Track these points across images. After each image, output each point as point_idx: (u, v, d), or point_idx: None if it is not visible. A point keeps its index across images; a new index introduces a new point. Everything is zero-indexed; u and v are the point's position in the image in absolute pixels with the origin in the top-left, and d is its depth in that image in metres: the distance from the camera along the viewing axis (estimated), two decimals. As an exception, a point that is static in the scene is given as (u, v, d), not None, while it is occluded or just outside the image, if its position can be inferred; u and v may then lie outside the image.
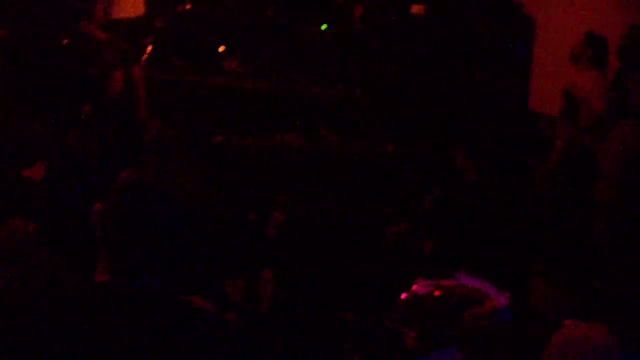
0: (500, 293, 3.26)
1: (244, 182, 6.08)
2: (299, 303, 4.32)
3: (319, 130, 7.70)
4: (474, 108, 7.91)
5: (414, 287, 4.26)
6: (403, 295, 3.23)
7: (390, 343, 3.09)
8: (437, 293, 3.35)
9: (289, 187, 5.69)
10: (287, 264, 4.69)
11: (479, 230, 4.75)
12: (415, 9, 8.74)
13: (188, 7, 8.79)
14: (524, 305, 4.62)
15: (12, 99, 6.78)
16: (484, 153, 5.98)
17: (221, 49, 8.74)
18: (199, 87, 8.18)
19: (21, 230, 3.94)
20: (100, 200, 3.68)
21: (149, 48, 8.30)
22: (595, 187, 5.58)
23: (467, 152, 5.74)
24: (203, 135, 7.09)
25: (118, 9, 7.90)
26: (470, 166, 5.48)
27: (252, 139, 7.36)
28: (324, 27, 8.91)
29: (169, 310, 2.85)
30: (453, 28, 8.61)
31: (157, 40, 8.42)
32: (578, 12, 8.25)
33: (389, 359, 3.17)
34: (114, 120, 6.91)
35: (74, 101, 7.16)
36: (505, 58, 8.59)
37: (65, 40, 7.59)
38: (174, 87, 8.07)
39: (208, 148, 6.87)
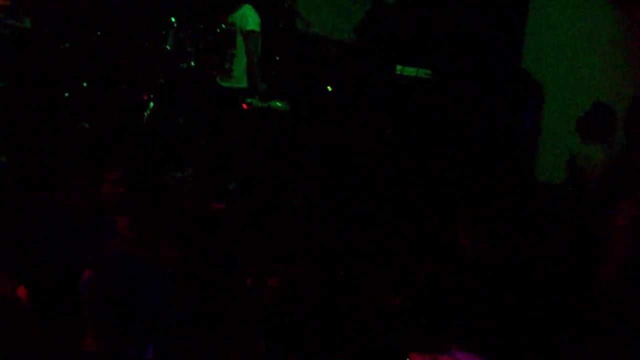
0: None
1: (238, 245, 6.00)
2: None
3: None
4: (477, 177, 7.83)
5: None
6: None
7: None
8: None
9: (284, 252, 5.61)
10: (281, 331, 4.60)
11: (475, 304, 4.62)
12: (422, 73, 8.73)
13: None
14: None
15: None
16: (486, 224, 5.87)
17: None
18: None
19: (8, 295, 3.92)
20: (87, 266, 3.61)
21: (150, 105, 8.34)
22: (600, 264, 5.46)
23: (468, 223, 5.63)
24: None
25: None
26: (470, 237, 5.37)
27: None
28: (329, 88, 8.93)
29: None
30: (459, 94, 8.58)
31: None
32: (585, 81, 8.21)
33: None
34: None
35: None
36: (513, 125, 8.54)
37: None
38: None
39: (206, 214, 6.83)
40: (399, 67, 8.79)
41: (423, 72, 8.79)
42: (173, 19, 8.42)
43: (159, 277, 3.13)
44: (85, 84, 8.33)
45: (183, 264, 4.59)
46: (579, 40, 8.43)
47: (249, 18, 7.99)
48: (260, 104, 8.00)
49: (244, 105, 7.96)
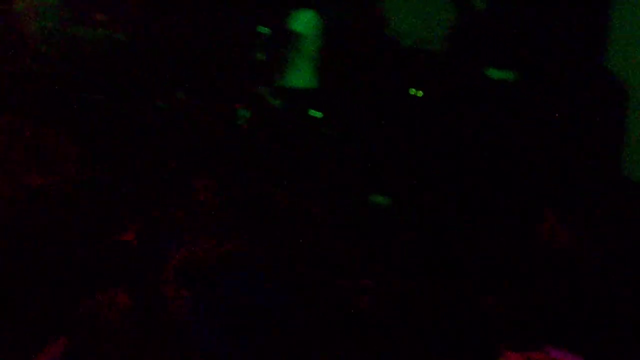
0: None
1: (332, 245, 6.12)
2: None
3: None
4: (565, 177, 7.85)
5: (503, 360, 4.24)
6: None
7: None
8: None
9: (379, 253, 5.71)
10: (376, 334, 4.70)
11: (571, 301, 4.69)
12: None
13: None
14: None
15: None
16: (580, 220, 5.91)
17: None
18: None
19: (116, 303, 4.04)
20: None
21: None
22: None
23: (561, 220, 5.69)
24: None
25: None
26: (564, 234, 5.43)
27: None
28: (419, 93, 8.99)
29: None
30: (544, 94, 8.60)
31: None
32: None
33: None
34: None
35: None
36: (597, 126, 8.53)
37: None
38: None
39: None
40: (487, 71, 8.84)
41: (509, 75, 8.83)
42: (264, 29, 8.61)
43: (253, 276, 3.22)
44: (181, 94, 8.57)
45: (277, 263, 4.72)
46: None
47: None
48: None
49: None
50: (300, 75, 8.13)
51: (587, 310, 4.78)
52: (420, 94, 8.88)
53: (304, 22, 7.95)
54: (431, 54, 9.31)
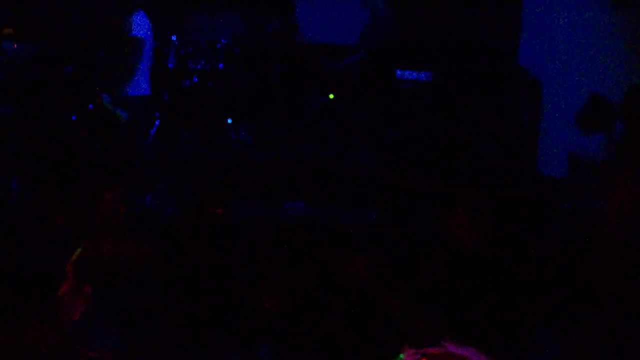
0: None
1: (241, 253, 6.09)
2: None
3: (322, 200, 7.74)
4: (478, 170, 7.89)
5: (402, 356, 4.21)
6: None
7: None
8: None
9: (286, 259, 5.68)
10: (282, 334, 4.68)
11: (471, 298, 4.68)
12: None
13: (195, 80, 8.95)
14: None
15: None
16: (486, 217, 5.91)
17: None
18: (206, 160, 8.28)
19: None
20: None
21: (156, 123, 8.44)
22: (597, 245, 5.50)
23: (465, 216, 5.68)
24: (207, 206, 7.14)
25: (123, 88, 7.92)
26: (467, 230, 5.42)
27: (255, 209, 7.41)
28: (331, 96, 8.99)
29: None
30: (460, 92, 8.67)
31: (163, 115, 8.56)
32: (582, 74, 8.27)
33: None
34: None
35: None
36: (513, 122, 8.61)
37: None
38: (181, 161, 8.18)
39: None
40: (399, 71, 8.89)
41: (423, 75, 8.89)
42: (174, 37, 8.54)
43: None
44: (90, 105, 8.46)
45: (182, 267, 4.71)
46: (574, 34, 8.48)
47: None
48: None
49: None
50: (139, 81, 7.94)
51: (488, 306, 4.77)
52: (331, 96, 8.90)
53: (138, 24, 7.75)
54: (341, 56, 9.35)
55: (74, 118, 8.64)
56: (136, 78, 7.74)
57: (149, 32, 7.78)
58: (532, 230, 6.68)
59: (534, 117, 8.69)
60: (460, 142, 8.41)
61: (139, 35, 7.66)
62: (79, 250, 4.60)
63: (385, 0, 8.98)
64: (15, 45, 8.40)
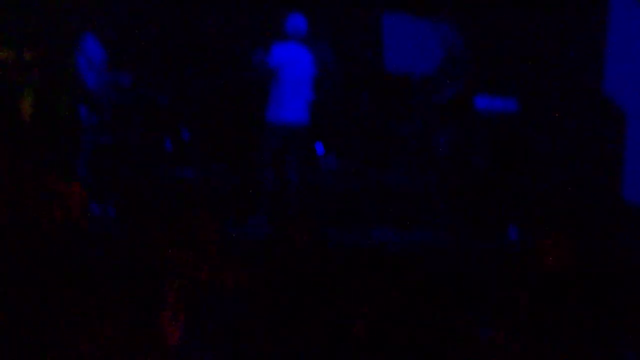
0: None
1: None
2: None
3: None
4: (563, 202, 7.96)
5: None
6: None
7: None
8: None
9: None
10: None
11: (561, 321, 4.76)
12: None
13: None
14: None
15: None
16: (570, 241, 5.98)
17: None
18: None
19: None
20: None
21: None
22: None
23: (551, 240, 5.76)
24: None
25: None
26: (551, 254, 5.49)
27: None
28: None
29: None
30: (542, 124, 8.72)
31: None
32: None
33: None
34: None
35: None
36: (595, 150, 8.64)
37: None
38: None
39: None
40: (481, 100, 8.94)
41: (507, 104, 8.94)
42: None
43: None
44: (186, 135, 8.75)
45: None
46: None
47: None
48: None
49: None
50: None
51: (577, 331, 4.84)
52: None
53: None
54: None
55: (168, 147, 8.96)
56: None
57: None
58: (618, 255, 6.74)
59: (618, 148, 8.68)
60: (543, 173, 8.48)
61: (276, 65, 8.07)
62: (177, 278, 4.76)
63: (461, 33, 9.04)
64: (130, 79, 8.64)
